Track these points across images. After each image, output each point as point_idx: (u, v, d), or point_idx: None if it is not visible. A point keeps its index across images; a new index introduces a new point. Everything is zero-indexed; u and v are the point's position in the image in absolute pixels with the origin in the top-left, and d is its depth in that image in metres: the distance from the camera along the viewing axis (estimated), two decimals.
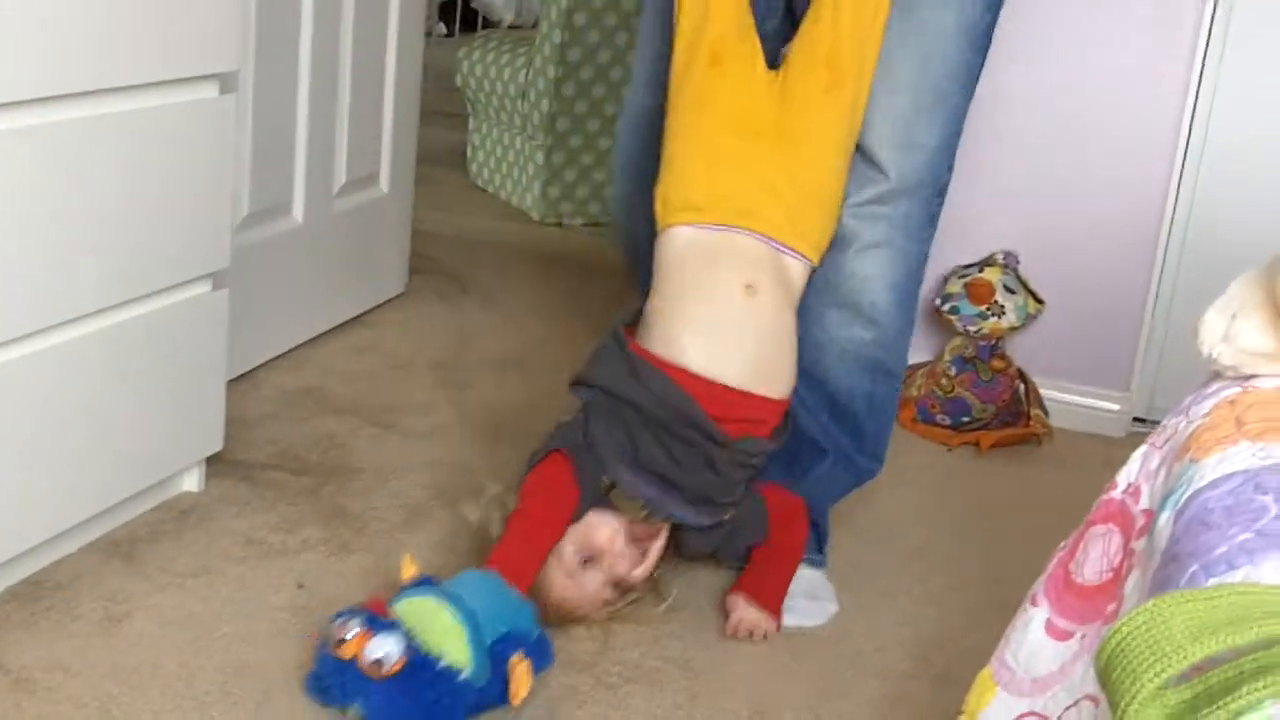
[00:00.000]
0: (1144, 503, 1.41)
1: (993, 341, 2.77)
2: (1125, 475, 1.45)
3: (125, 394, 1.93)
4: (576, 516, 1.86)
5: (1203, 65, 2.71)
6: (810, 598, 2.05)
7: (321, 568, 1.98)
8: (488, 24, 7.22)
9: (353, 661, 1.58)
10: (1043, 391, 2.82)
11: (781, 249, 1.88)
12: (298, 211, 2.70)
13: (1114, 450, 2.74)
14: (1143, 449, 1.45)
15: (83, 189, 1.78)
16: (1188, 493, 1.23)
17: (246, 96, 2.40)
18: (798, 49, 1.90)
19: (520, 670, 1.65)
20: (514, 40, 4.27)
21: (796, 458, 2.05)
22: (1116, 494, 1.45)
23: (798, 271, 1.90)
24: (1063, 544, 1.50)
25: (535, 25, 7.95)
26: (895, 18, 1.87)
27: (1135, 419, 2.90)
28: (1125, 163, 2.78)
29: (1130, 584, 1.37)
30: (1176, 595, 0.89)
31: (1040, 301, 2.81)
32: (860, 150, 1.93)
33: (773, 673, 1.86)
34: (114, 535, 1.99)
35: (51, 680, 1.66)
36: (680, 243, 1.89)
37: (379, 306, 3.08)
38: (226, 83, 2.02)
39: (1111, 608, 1.39)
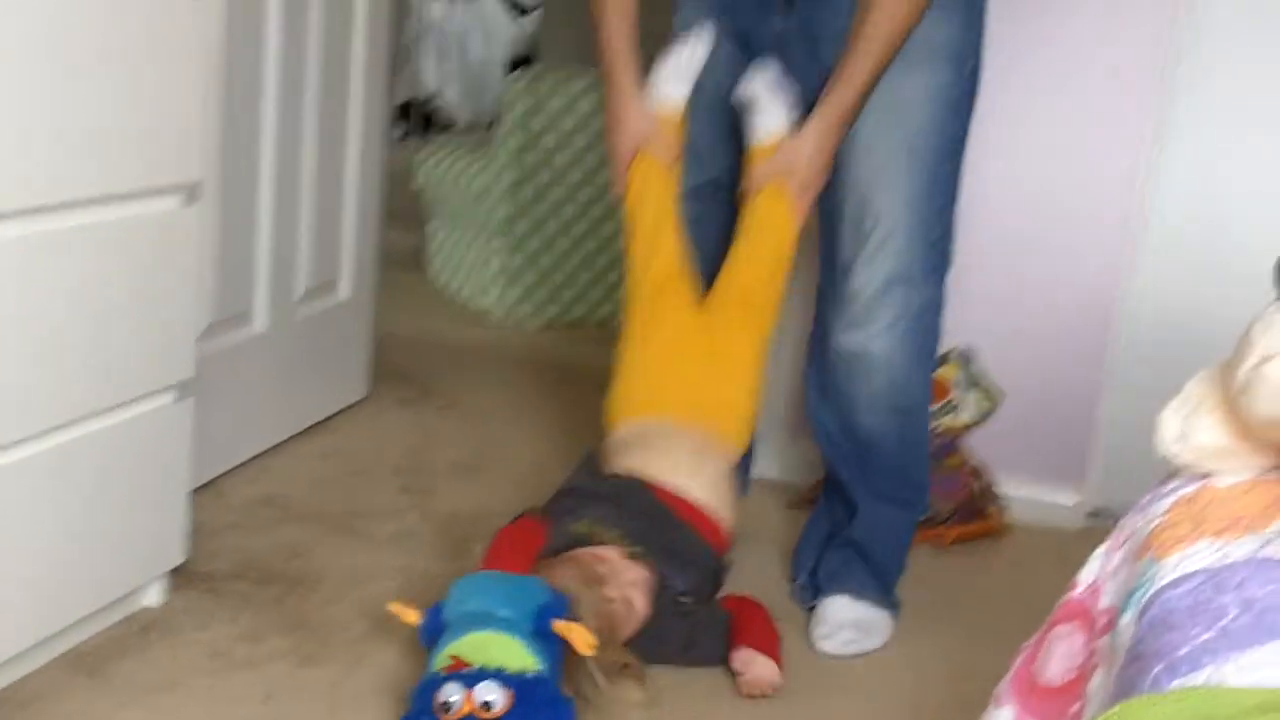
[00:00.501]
0: (1105, 601, 1.42)
1: (949, 439, 2.79)
2: (1086, 574, 1.47)
3: (88, 508, 1.92)
4: (546, 551, 2.07)
5: (1152, 151, 2.75)
6: (858, 629, 2.26)
7: (288, 679, 1.97)
8: (445, 125, 7.29)
9: None
10: (998, 487, 2.84)
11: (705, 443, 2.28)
12: (259, 320, 2.70)
13: (1071, 544, 2.76)
14: (1103, 547, 1.47)
15: (46, 302, 1.78)
16: (1150, 591, 1.25)
17: (210, 204, 2.41)
18: (719, 288, 2.29)
19: (569, 629, 1.85)
20: (472, 143, 4.32)
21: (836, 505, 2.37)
22: (1078, 593, 1.46)
23: (723, 457, 2.30)
24: (1026, 644, 1.52)
25: (491, 126, 8.04)
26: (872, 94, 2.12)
27: (1088, 514, 2.92)
28: (1077, 252, 2.80)
29: (1094, 684, 1.39)
30: (1143, 700, 0.91)
31: (994, 398, 2.82)
32: (851, 206, 2.18)
33: None
34: (78, 650, 1.97)
35: None
36: (621, 432, 2.29)
37: (341, 412, 3.08)
38: (191, 193, 2.04)
39: (1075, 708, 1.41)
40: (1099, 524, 2.88)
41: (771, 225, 2.23)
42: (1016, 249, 2.83)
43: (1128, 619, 1.26)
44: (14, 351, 1.74)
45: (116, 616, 2.07)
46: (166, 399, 2.06)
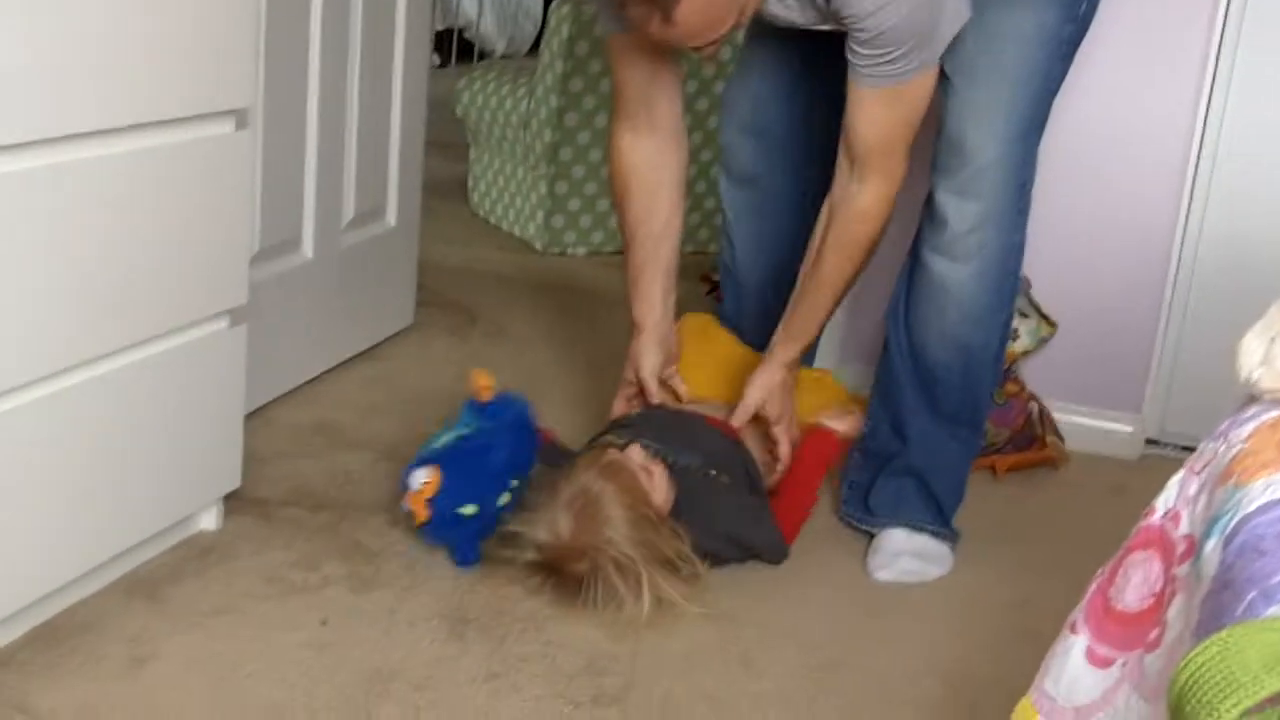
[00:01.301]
0: (1184, 528, 1.40)
1: (1006, 366, 2.76)
2: (1163, 501, 1.44)
3: (144, 433, 1.92)
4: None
5: (1212, 87, 2.71)
6: (918, 558, 2.25)
7: (344, 604, 1.97)
8: (481, 54, 7.23)
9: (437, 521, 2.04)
10: (1055, 415, 2.81)
11: None
12: (307, 246, 2.69)
13: (1128, 473, 2.76)
14: (1180, 474, 1.44)
15: (100, 229, 1.77)
16: (1235, 518, 1.22)
17: (257, 132, 2.39)
18: None
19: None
20: (514, 70, 4.27)
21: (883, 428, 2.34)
22: (1155, 520, 1.43)
23: None
24: (1100, 570, 1.49)
25: (527, 54, 7.99)
26: (974, 24, 2.03)
27: (1148, 440, 2.89)
28: (1134, 185, 2.77)
29: (1174, 610, 1.36)
30: (1248, 625, 0.88)
31: (1053, 325, 2.80)
32: (946, 137, 2.13)
33: (799, 705, 1.84)
34: (135, 575, 1.98)
35: None
36: None
37: (388, 340, 3.07)
38: (241, 119, 2.02)
39: (1154, 634, 1.38)
40: (1157, 452, 2.86)
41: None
42: (1076, 180, 2.78)
43: (1212, 545, 1.24)
44: (69, 277, 1.73)
45: (172, 541, 2.07)
46: (221, 324, 2.05)
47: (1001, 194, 2.14)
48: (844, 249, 2.15)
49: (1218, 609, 1.12)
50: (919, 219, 2.25)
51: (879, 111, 2.03)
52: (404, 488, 2.05)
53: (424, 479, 2.02)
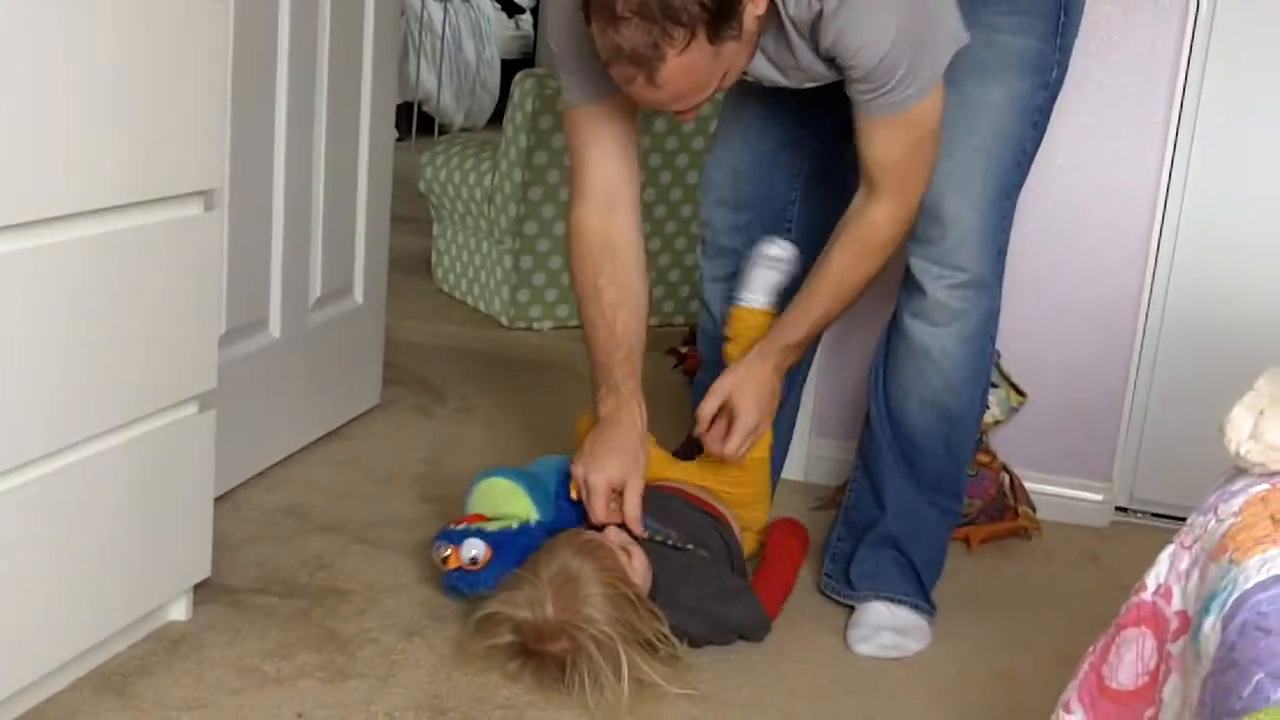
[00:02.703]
0: (1177, 604, 1.39)
1: (978, 436, 2.75)
2: (1154, 576, 1.43)
3: (113, 523, 1.88)
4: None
5: (1174, 151, 2.73)
6: (898, 633, 2.22)
7: (319, 696, 1.92)
8: (441, 129, 7.24)
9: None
10: (1025, 484, 2.81)
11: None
12: (274, 326, 2.66)
13: (1100, 541, 2.75)
14: (1170, 549, 1.44)
15: (66, 314, 1.74)
16: (1234, 595, 1.21)
17: (223, 213, 2.37)
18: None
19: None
20: (477, 144, 4.27)
21: (865, 498, 2.32)
22: (1147, 596, 1.42)
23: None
24: (1091, 647, 1.48)
25: (485, 127, 8.00)
26: (950, 96, 2.04)
27: (1117, 508, 2.89)
28: (1100, 253, 2.78)
29: (1169, 689, 1.35)
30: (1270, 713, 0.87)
31: (1023, 394, 2.80)
32: (924, 207, 2.12)
33: None
34: (104, 669, 1.93)
35: None
36: None
37: (356, 419, 3.03)
38: (209, 200, 2.00)
39: (1149, 713, 1.37)
40: (1126, 519, 2.86)
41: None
42: (1041, 247, 2.79)
43: (1210, 623, 1.22)
44: (34, 365, 1.69)
45: (142, 634, 2.02)
46: (190, 410, 2.02)
47: (980, 260, 2.15)
48: (851, 250, 2.13)
49: (1223, 690, 1.10)
50: (898, 289, 2.25)
51: (889, 138, 2.03)
52: (448, 544, 2.11)
53: (475, 554, 2.08)
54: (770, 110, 2.32)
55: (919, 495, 2.28)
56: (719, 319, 2.45)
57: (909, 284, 2.20)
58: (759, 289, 2.32)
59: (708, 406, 2.22)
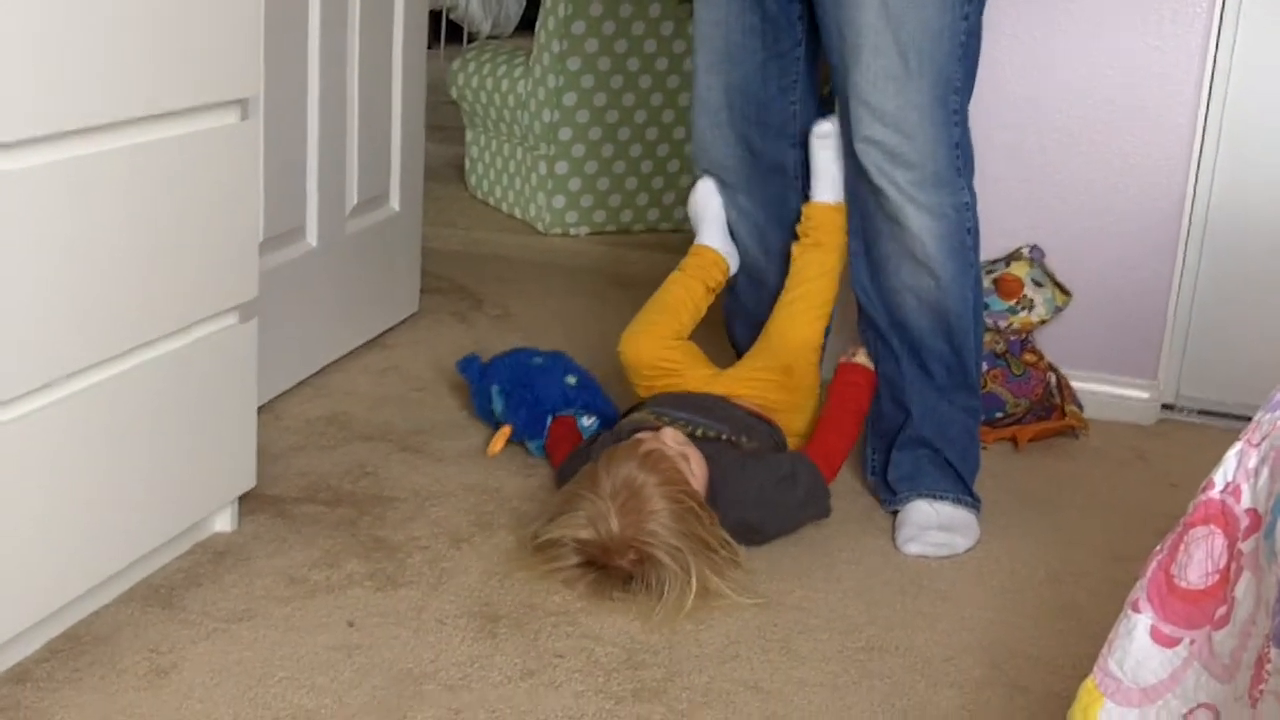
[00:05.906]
0: (1246, 502, 1.35)
1: (1023, 336, 2.72)
2: (1222, 474, 1.39)
3: (155, 435, 1.86)
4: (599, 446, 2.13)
5: (1217, 44, 2.66)
6: (944, 530, 2.20)
7: (369, 604, 1.91)
8: (471, 35, 7.16)
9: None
10: (1072, 383, 2.77)
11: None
12: (311, 235, 2.63)
13: (1147, 439, 2.72)
14: (1238, 447, 1.40)
15: (106, 226, 1.71)
16: None
17: (259, 121, 2.33)
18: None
19: None
20: (508, 51, 4.21)
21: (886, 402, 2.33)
22: (1215, 494, 1.39)
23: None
24: (1159, 546, 1.45)
25: (512, 35, 7.90)
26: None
27: (1164, 405, 2.86)
28: (1143, 149, 2.73)
29: (1242, 587, 1.32)
30: None
31: (1067, 294, 2.76)
32: (868, 106, 2.13)
33: (844, 689, 1.80)
34: (151, 582, 1.92)
35: None
36: None
37: (395, 327, 3.01)
38: (246, 107, 1.96)
39: (1221, 611, 1.34)
40: (1172, 417, 2.82)
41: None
42: (1083, 143, 2.74)
43: None
44: (77, 277, 1.67)
45: (187, 545, 2.02)
46: (231, 320, 2.00)
47: (931, 156, 2.14)
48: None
49: None
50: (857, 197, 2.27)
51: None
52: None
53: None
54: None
55: (939, 397, 2.27)
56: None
57: (871, 188, 2.19)
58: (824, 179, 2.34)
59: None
